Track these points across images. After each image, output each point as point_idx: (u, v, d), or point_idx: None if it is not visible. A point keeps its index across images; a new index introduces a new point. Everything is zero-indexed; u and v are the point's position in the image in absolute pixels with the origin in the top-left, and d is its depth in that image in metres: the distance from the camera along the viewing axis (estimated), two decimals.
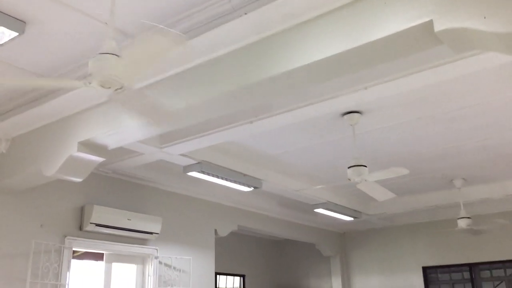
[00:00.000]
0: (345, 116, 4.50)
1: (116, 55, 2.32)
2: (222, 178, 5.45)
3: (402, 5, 2.39)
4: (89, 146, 3.73)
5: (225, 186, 5.81)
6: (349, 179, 4.33)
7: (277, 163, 5.86)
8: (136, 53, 2.29)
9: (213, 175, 5.33)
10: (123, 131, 3.57)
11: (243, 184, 5.72)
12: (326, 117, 4.57)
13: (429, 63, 3.08)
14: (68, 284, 4.69)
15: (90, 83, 2.29)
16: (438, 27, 2.28)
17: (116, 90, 2.29)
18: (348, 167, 4.33)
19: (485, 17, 2.16)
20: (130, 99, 2.49)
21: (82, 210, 5.01)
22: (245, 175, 5.69)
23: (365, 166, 4.28)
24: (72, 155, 3.70)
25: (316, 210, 7.07)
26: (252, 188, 5.90)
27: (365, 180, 4.35)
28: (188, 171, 5.20)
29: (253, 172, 5.80)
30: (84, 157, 3.76)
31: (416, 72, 3.18)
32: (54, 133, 3.96)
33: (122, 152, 4.84)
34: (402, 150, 5.42)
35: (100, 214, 4.97)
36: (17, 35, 2.96)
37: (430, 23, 2.31)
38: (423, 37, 2.41)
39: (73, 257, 4.93)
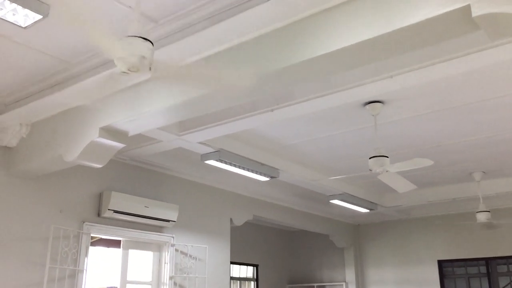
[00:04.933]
0: (367, 106, 4.42)
1: (143, 38, 2.28)
2: (239, 167, 5.41)
3: None
4: (110, 132, 3.71)
5: (242, 175, 5.78)
6: (370, 170, 4.27)
7: (294, 153, 5.81)
8: None
9: (230, 164, 5.30)
10: (145, 116, 3.54)
11: (260, 174, 5.68)
12: (347, 106, 4.49)
13: (460, 50, 3.00)
14: (86, 270, 4.71)
15: (116, 66, 2.25)
16: (476, 12, 2.20)
17: (149, 70, 2.25)
18: (370, 158, 4.27)
19: None
20: (168, 74, 2.44)
21: (100, 196, 5.01)
22: (262, 164, 5.65)
23: (387, 157, 4.21)
24: (93, 140, 3.68)
25: (331, 201, 7.02)
26: (269, 178, 5.86)
27: (387, 171, 4.28)
28: (206, 160, 5.17)
29: (270, 161, 5.76)
30: (105, 143, 3.74)
31: (446, 60, 3.10)
32: (75, 118, 3.94)
33: (141, 139, 4.82)
34: (422, 141, 5.33)
35: (118, 200, 4.97)
36: (41, 18, 2.93)
37: (467, 8, 2.23)
38: (459, 22, 2.34)
39: None
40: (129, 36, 2.25)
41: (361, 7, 2.62)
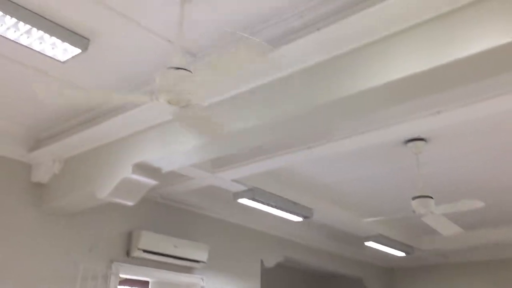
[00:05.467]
0: (409, 144, 4.22)
1: (186, 69, 2.19)
2: (272, 206, 5.22)
3: (503, 16, 2.15)
4: (144, 168, 3.61)
5: (274, 214, 5.57)
6: (413, 211, 4.03)
7: (330, 192, 5.59)
8: (209, 70, 2.15)
9: (263, 203, 5.12)
10: (179, 153, 3.43)
11: (294, 213, 5.47)
12: (387, 144, 4.30)
13: None
14: None
15: (157, 98, 2.16)
16: None
17: (182, 106, 2.14)
18: (413, 198, 4.03)
19: None
20: (193, 117, 2.33)
21: (129, 235, 4.88)
22: (296, 203, 5.45)
23: (432, 198, 3.97)
24: (126, 177, 3.58)
25: (366, 243, 6.71)
26: (302, 218, 5.64)
27: (431, 213, 4.03)
28: (239, 198, 5.00)
29: (304, 200, 5.55)
30: (138, 179, 3.63)
31: (500, 94, 2.91)
32: (108, 154, 3.87)
33: (172, 176, 4.70)
34: (467, 181, 5.05)
35: (148, 239, 4.82)
36: (80, 52, 2.89)
37: None
38: None
39: None
40: (171, 67, 2.16)
41: (414, 37, 2.47)
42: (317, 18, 2.63)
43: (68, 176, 4.15)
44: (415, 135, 4.12)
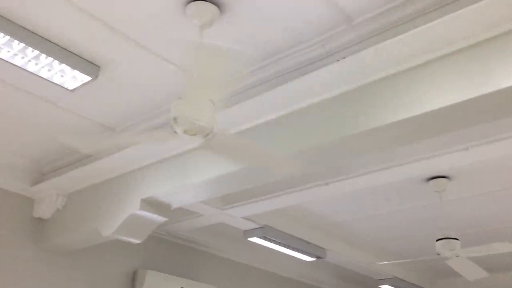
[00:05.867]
0: (431, 182, 4.01)
1: (201, 98, 2.01)
2: (284, 246, 4.97)
3: None
4: (153, 204, 3.40)
5: (285, 254, 5.30)
6: (438, 254, 3.77)
7: (344, 231, 5.33)
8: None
9: (275, 242, 4.87)
10: (191, 188, 3.23)
11: (306, 253, 5.21)
12: (407, 181, 4.08)
13: None
14: None
15: (175, 131, 1.97)
16: None
17: (206, 136, 1.96)
18: (437, 240, 3.78)
19: None
20: (225, 145, 2.14)
21: (134, 274, 4.61)
22: (309, 243, 5.19)
23: (457, 240, 3.72)
24: (133, 213, 3.37)
25: (381, 286, 6.40)
26: (315, 258, 5.37)
27: (457, 256, 3.77)
28: (249, 236, 4.76)
29: (317, 240, 5.29)
30: (146, 216, 3.42)
31: None
32: (114, 189, 3.67)
33: (181, 212, 4.48)
34: (493, 221, 4.79)
35: (153, 280, 4.55)
36: (90, 80, 2.74)
37: None
38: None
39: None
40: (189, 96, 1.98)
41: (446, 67, 2.30)
42: (340, 47, 2.48)
43: (71, 212, 3.94)
44: (438, 173, 3.92)
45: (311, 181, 3.78)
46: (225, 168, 2.92)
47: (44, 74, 2.72)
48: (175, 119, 1.96)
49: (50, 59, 2.59)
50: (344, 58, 2.45)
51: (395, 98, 2.44)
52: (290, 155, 2.70)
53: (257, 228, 4.77)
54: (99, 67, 2.70)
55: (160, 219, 3.51)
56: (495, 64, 2.15)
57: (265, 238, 4.77)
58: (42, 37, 2.49)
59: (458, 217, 4.69)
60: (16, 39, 2.44)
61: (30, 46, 2.48)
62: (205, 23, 2.21)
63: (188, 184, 3.20)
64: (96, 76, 2.70)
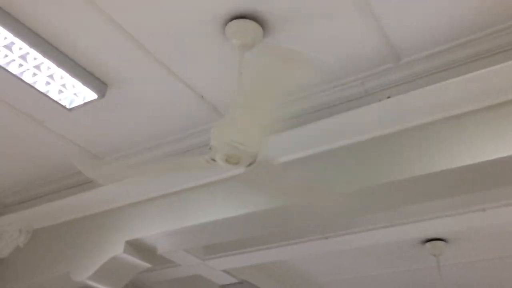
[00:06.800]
0: (427, 244, 3.84)
1: (245, 122, 1.75)
2: None
3: None
4: (138, 247, 3.00)
5: None
6: None
7: None
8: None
9: None
10: (185, 232, 2.88)
11: None
12: (402, 242, 3.90)
13: None
14: None
15: (213, 159, 1.68)
16: None
17: (248, 165, 1.68)
18: None
19: None
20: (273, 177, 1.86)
21: None
22: None
23: None
24: (115, 256, 2.95)
25: None
26: None
27: None
28: None
29: None
30: (129, 260, 3.00)
31: None
32: (92, 228, 3.23)
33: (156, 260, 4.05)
34: None
35: None
36: (94, 99, 2.41)
37: None
38: None
39: None
40: (233, 120, 1.71)
41: (462, 129, 2.16)
42: (380, 87, 2.33)
43: (35, 252, 3.43)
44: (436, 235, 3.77)
45: (309, 235, 3.52)
46: (234, 210, 2.62)
47: (40, 86, 2.36)
48: (214, 146, 1.68)
49: (51, 70, 2.26)
50: (382, 100, 2.28)
51: (405, 155, 2.25)
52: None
53: (235, 283, 4.39)
54: (106, 85, 2.40)
55: (143, 265, 3.10)
56: None
57: None
58: (47, 41, 2.17)
59: (454, 283, 4.51)
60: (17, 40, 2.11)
61: (32, 48, 2.14)
62: (246, 44, 1.99)
63: (183, 228, 2.86)
64: (103, 95, 2.39)
